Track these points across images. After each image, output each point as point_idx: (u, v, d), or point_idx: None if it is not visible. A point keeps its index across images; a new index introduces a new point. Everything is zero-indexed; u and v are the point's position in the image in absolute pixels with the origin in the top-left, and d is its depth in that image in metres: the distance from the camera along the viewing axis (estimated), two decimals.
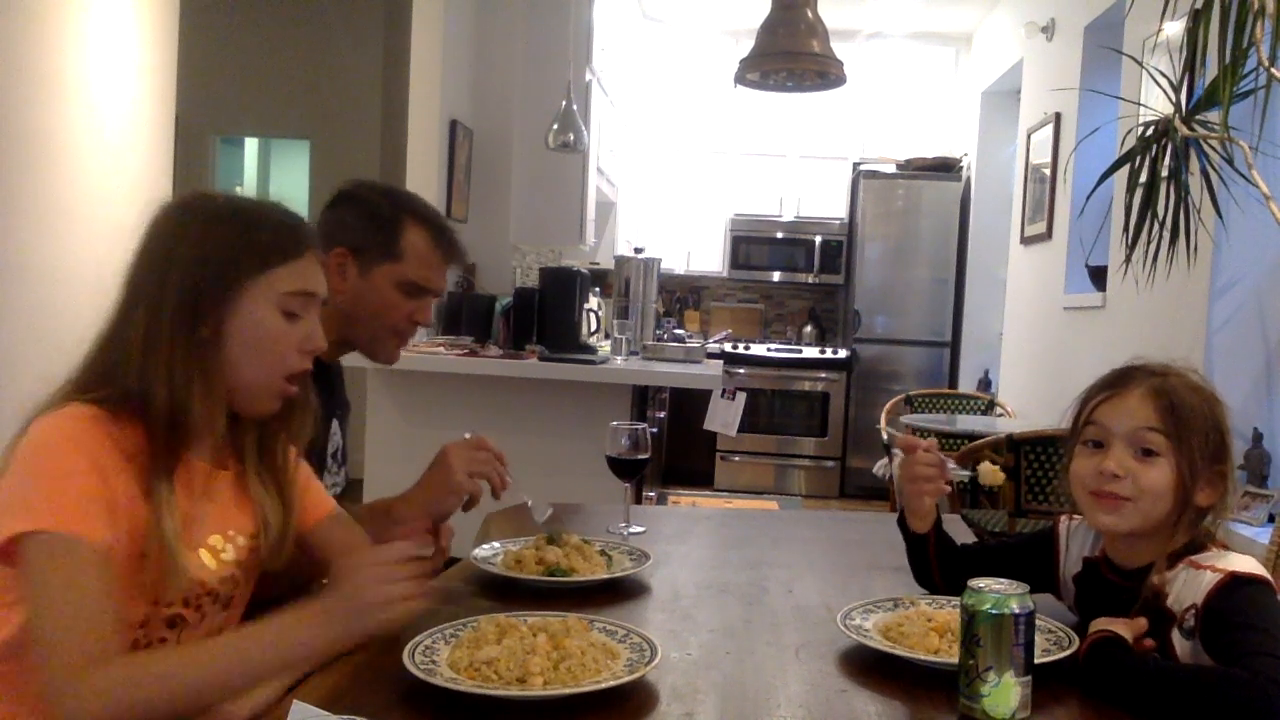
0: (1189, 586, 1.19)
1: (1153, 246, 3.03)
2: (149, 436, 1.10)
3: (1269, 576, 1.18)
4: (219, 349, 1.13)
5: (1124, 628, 1.16)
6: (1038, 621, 1.14)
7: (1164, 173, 2.98)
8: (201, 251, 1.14)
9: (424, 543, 1.27)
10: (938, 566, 1.47)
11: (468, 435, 1.61)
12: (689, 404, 5.00)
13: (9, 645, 1.07)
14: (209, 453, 1.19)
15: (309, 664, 1.07)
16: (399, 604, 1.07)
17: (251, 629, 1.08)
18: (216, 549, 1.18)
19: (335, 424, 1.77)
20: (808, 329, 7.10)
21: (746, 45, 2.90)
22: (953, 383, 6.51)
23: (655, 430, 4.41)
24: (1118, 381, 1.29)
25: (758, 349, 6.69)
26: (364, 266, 1.65)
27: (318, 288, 1.20)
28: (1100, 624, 1.18)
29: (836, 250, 6.85)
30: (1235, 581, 1.16)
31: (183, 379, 1.10)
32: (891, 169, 6.68)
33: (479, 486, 1.58)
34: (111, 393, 1.10)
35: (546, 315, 3.89)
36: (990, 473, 1.56)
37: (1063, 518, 1.42)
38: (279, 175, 8.29)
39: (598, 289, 4.74)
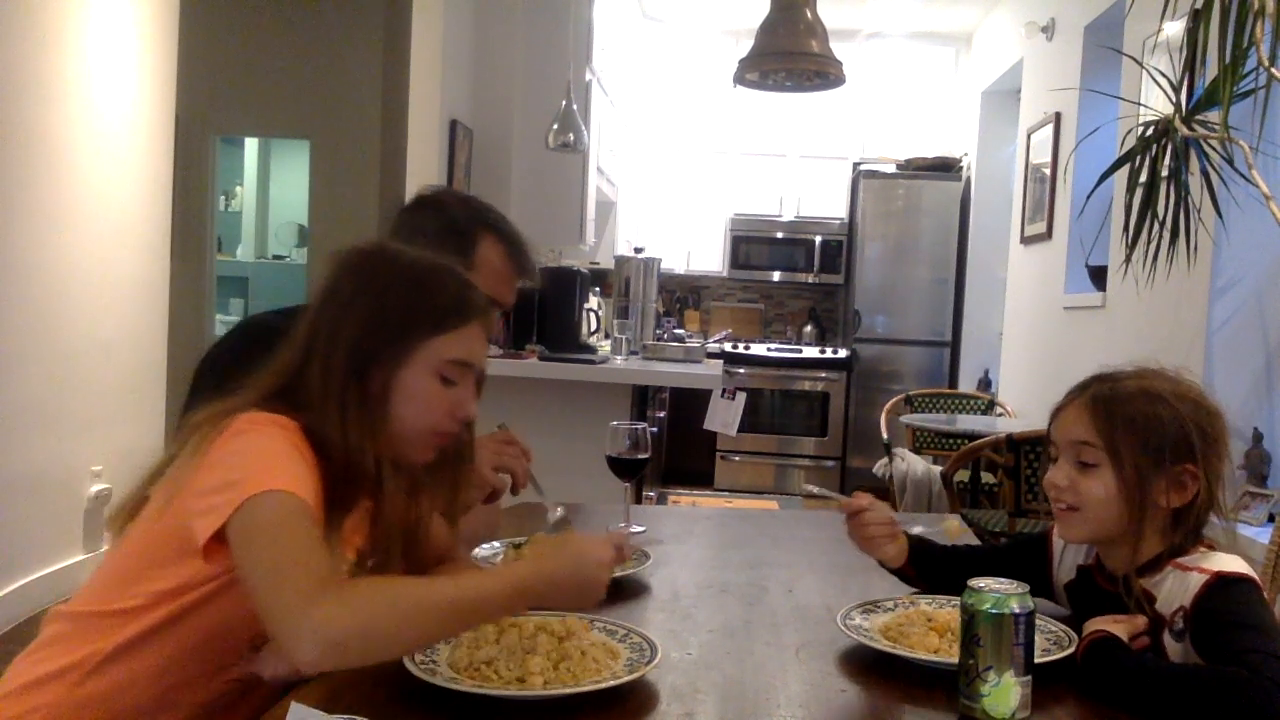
0: (1176, 588, 1.20)
1: (1153, 246, 3.03)
2: (328, 481, 1.12)
3: (1255, 576, 1.19)
4: (385, 403, 1.17)
5: (1121, 627, 1.17)
6: (1038, 621, 1.14)
7: (1164, 173, 2.98)
8: (379, 309, 1.18)
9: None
10: (926, 581, 1.47)
11: (498, 428, 1.60)
12: (689, 404, 4.99)
13: (138, 639, 1.10)
14: None
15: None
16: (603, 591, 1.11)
17: (474, 578, 1.10)
18: None
19: None
20: (808, 329, 7.10)
21: (746, 45, 2.90)
22: (953, 383, 6.51)
23: (655, 430, 4.41)
24: (1069, 394, 1.32)
25: (758, 349, 6.69)
26: None
27: (478, 359, 1.24)
28: (1096, 623, 1.18)
29: (836, 250, 6.85)
30: (1221, 582, 1.16)
31: (356, 434, 1.14)
32: (891, 169, 6.68)
33: (503, 481, 1.58)
34: (299, 419, 1.14)
35: (546, 315, 3.89)
36: (954, 530, 1.56)
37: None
38: (279, 175, 8.29)
39: (598, 289, 4.74)
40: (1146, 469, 1.23)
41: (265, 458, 1.06)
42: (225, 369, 1.50)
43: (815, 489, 1.62)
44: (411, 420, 1.19)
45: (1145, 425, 1.23)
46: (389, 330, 1.17)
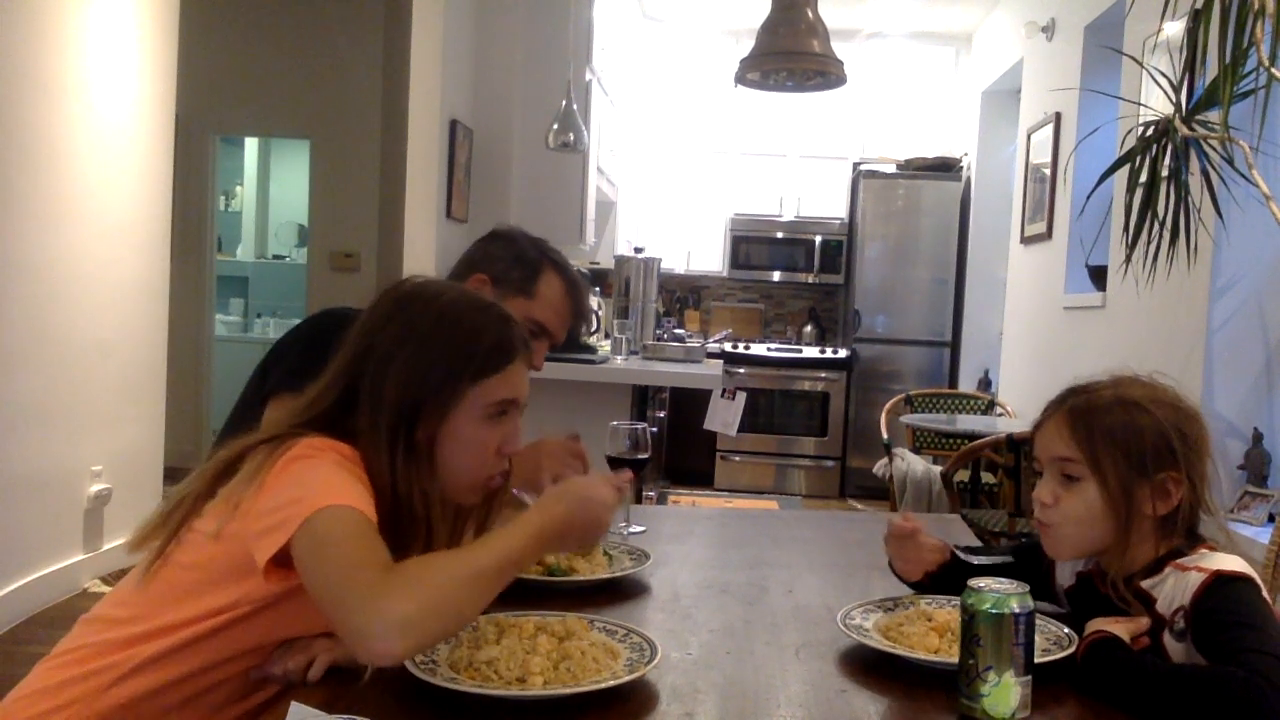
0: (1176, 589, 1.20)
1: (1153, 246, 3.02)
2: (381, 517, 1.13)
3: (1253, 574, 1.19)
4: (432, 451, 1.18)
5: (1121, 627, 1.17)
6: (1038, 621, 1.14)
7: (1164, 173, 2.98)
8: (421, 361, 1.17)
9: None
10: (933, 585, 1.46)
11: (570, 437, 1.61)
12: (689, 404, 4.99)
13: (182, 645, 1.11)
14: None
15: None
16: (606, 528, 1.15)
17: (499, 536, 1.10)
18: None
19: None
20: (808, 329, 7.10)
21: (746, 45, 2.90)
22: (953, 382, 6.51)
23: (655, 430, 4.41)
24: (1047, 408, 1.32)
25: (758, 349, 6.69)
26: (498, 296, 1.73)
27: (522, 394, 1.24)
28: (1097, 624, 1.18)
29: (836, 250, 6.85)
30: (1219, 581, 1.17)
31: (405, 482, 1.15)
32: (891, 169, 6.68)
33: None
34: (356, 450, 1.15)
35: None
36: None
37: None
38: (279, 175, 8.29)
39: (598, 289, 4.74)
40: (1130, 480, 1.23)
41: (326, 479, 1.07)
42: (296, 359, 1.52)
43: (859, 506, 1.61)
44: (462, 466, 1.19)
45: (1125, 436, 1.23)
46: (433, 381, 1.17)
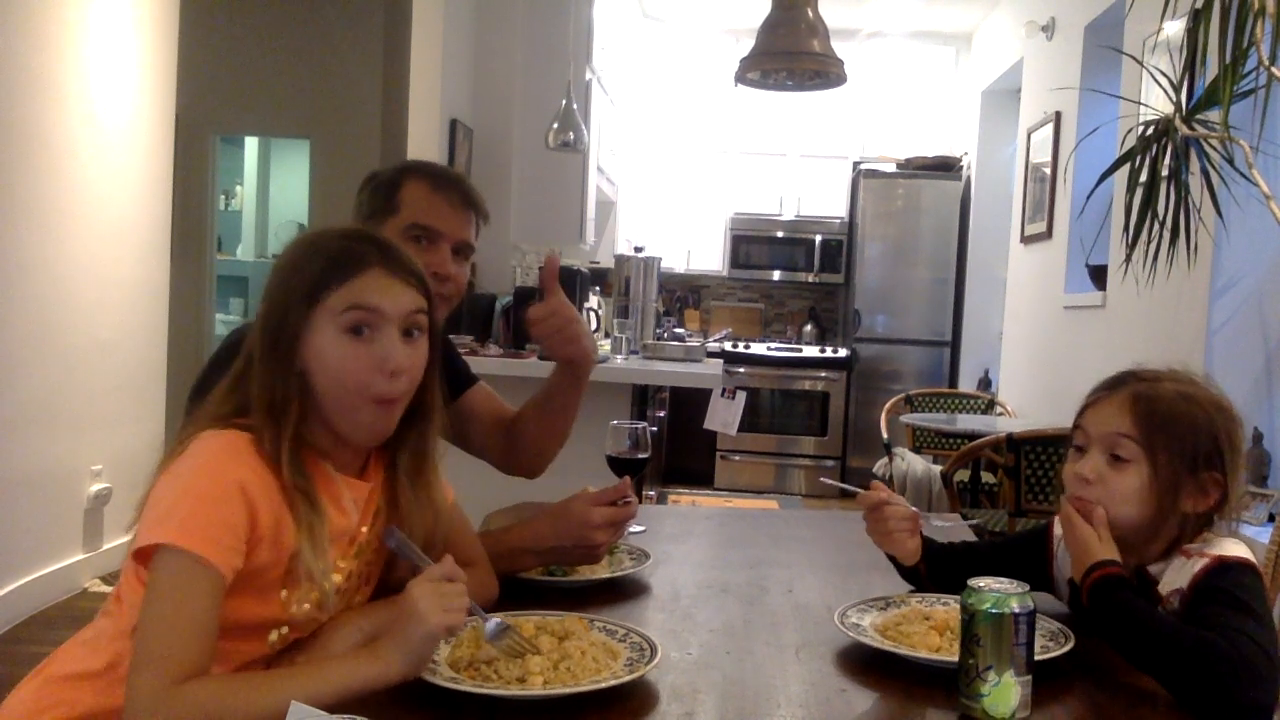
0: (1180, 574, 1.22)
1: (1153, 246, 3.02)
2: (274, 458, 1.12)
3: (1254, 560, 1.20)
4: (310, 381, 1.15)
5: (1108, 546, 1.22)
6: (1038, 621, 1.14)
7: (1164, 172, 2.97)
8: (278, 292, 1.17)
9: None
10: (934, 581, 1.46)
11: (615, 485, 1.54)
12: (689, 404, 5.00)
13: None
14: (354, 470, 1.22)
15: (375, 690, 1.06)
16: (458, 619, 1.07)
17: (326, 663, 1.08)
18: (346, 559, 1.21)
19: None
20: (808, 328, 7.10)
21: (746, 45, 2.90)
22: (953, 382, 6.51)
23: (655, 430, 4.41)
24: (1107, 386, 1.31)
25: (758, 348, 6.69)
26: (375, 230, 1.65)
27: (380, 302, 1.16)
28: (1093, 555, 1.21)
29: (836, 250, 6.85)
30: (1222, 565, 1.19)
31: (281, 400, 1.13)
32: (891, 168, 6.68)
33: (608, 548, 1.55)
34: (253, 424, 1.13)
35: None
36: None
37: (1057, 519, 1.42)
38: (279, 175, 8.29)
39: (598, 288, 4.74)
40: (1179, 473, 1.23)
41: (201, 504, 1.06)
42: (206, 379, 1.41)
43: (833, 481, 1.62)
44: (340, 389, 1.15)
45: (1183, 429, 1.24)
46: (282, 308, 1.15)
